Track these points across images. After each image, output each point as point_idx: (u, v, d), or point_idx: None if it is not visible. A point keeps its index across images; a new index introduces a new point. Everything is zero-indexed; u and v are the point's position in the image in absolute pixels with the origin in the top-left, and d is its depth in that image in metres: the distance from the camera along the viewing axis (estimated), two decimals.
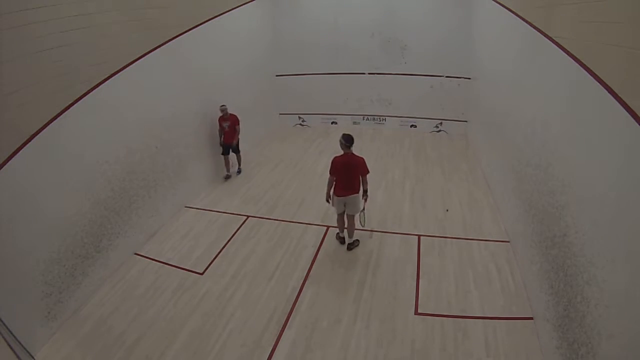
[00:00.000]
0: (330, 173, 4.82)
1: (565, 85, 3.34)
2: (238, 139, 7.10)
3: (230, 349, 3.78)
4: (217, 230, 5.73)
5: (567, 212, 3.17)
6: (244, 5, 7.83)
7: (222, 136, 7.02)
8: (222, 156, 7.18)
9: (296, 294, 4.43)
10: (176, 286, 4.65)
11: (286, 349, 3.74)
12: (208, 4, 6.74)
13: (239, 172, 7.52)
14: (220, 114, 6.86)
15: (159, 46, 5.52)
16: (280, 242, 5.38)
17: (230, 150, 7.15)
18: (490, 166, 6.53)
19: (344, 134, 4.73)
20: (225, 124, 6.92)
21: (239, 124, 7.05)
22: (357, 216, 5.05)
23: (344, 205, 4.93)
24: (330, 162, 4.82)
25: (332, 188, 4.91)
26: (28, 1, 3.59)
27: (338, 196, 4.88)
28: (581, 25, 3.09)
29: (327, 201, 5.05)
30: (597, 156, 2.72)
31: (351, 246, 5.12)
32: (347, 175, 4.76)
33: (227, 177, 7.32)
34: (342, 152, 4.77)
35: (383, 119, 9.59)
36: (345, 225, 5.10)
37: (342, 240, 5.23)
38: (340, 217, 5.10)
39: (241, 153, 7.43)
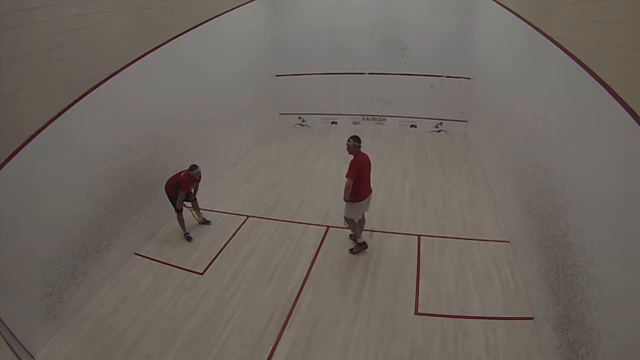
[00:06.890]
0: (353, 177, 4.40)
1: (565, 85, 3.34)
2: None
3: (230, 349, 3.78)
4: (217, 230, 5.74)
5: (567, 212, 3.17)
6: (244, 5, 7.83)
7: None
8: (179, 214, 5.63)
9: (296, 294, 4.43)
10: (176, 286, 4.65)
11: (286, 349, 3.75)
12: (208, 4, 6.74)
13: (207, 222, 5.99)
14: (195, 177, 5.41)
15: (159, 46, 5.52)
16: (280, 242, 5.38)
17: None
18: (490, 166, 6.53)
19: (354, 136, 4.60)
20: (193, 186, 5.67)
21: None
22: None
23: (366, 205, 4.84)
24: (353, 165, 4.45)
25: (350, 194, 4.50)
26: (28, 1, 3.59)
27: (364, 198, 4.68)
28: (581, 25, 3.09)
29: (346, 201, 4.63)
30: (597, 156, 2.72)
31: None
32: (369, 173, 4.73)
33: (190, 238, 5.60)
34: (349, 156, 4.65)
35: (383, 119, 9.58)
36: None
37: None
38: (362, 221, 5.00)
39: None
